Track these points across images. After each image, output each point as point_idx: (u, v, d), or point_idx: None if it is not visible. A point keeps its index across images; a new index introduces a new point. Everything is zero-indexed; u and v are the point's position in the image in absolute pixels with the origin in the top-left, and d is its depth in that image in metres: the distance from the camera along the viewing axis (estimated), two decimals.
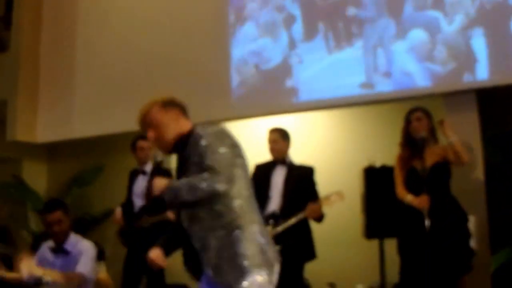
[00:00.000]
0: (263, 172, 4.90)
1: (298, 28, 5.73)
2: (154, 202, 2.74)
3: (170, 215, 5.07)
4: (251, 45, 5.97)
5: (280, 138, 4.95)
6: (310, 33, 5.65)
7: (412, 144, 4.36)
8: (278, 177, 4.85)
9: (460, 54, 4.97)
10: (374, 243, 4.96)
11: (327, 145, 6.13)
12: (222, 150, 2.64)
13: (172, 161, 6.75)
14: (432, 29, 5.09)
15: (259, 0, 5.98)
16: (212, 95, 6.03)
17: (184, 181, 2.64)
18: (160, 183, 2.69)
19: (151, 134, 2.82)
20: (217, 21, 6.15)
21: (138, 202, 5.36)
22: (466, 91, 5.02)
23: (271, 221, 4.62)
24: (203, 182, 2.57)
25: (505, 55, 4.83)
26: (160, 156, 2.88)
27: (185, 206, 2.70)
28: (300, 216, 4.59)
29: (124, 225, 5.31)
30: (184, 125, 2.88)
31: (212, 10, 6.19)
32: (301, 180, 4.80)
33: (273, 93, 5.82)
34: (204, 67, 6.12)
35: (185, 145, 2.76)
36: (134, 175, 5.51)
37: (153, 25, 6.51)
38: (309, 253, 4.75)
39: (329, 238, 5.32)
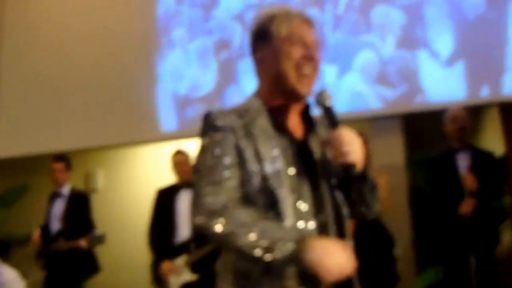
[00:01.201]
0: (166, 198, 4.76)
1: (231, 51, 5.69)
2: (344, 169, 1.70)
3: (83, 243, 4.95)
4: (180, 68, 5.91)
5: (188, 159, 4.91)
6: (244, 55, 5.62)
7: None
8: (183, 203, 4.64)
9: (387, 79, 5.05)
10: None
11: None
12: None
13: (99, 179, 6.74)
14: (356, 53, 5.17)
15: (189, 25, 5.94)
16: (138, 116, 5.94)
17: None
18: (359, 149, 1.72)
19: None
20: (144, 41, 6.08)
21: (55, 225, 5.26)
22: (391, 116, 5.11)
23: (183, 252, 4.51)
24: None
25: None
26: (329, 98, 1.79)
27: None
28: (204, 249, 4.40)
29: (40, 248, 5.18)
30: None
31: (140, 29, 6.12)
32: None
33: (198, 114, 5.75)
34: (131, 88, 6.03)
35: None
36: (53, 198, 5.40)
37: (81, 44, 6.38)
38: None
39: None
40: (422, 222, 4.99)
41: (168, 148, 6.14)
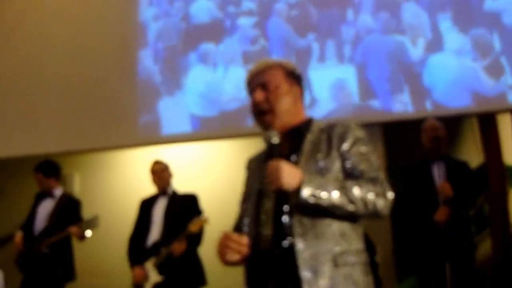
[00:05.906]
0: (145, 207, 4.92)
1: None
2: (278, 195, 2.10)
3: (74, 230, 4.89)
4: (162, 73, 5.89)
5: (165, 168, 4.98)
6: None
7: None
8: (159, 209, 4.83)
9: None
10: None
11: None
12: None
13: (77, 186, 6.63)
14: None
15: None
16: (116, 121, 5.90)
17: (334, 181, 2.04)
18: (291, 173, 2.00)
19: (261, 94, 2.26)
20: (123, 45, 6.04)
21: (40, 225, 5.12)
22: (373, 123, 5.14)
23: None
24: (371, 195, 2.03)
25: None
26: (276, 137, 2.14)
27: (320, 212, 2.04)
28: (167, 250, 4.56)
29: (22, 250, 5.07)
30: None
31: (119, 34, 6.07)
32: (183, 209, 4.78)
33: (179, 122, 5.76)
34: (112, 91, 5.97)
35: (301, 131, 2.24)
36: (40, 197, 5.28)
37: (59, 47, 6.30)
38: (199, 280, 4.72)
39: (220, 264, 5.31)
40: (401, 230, 5.03)
41: (145, 154, 6.14)
